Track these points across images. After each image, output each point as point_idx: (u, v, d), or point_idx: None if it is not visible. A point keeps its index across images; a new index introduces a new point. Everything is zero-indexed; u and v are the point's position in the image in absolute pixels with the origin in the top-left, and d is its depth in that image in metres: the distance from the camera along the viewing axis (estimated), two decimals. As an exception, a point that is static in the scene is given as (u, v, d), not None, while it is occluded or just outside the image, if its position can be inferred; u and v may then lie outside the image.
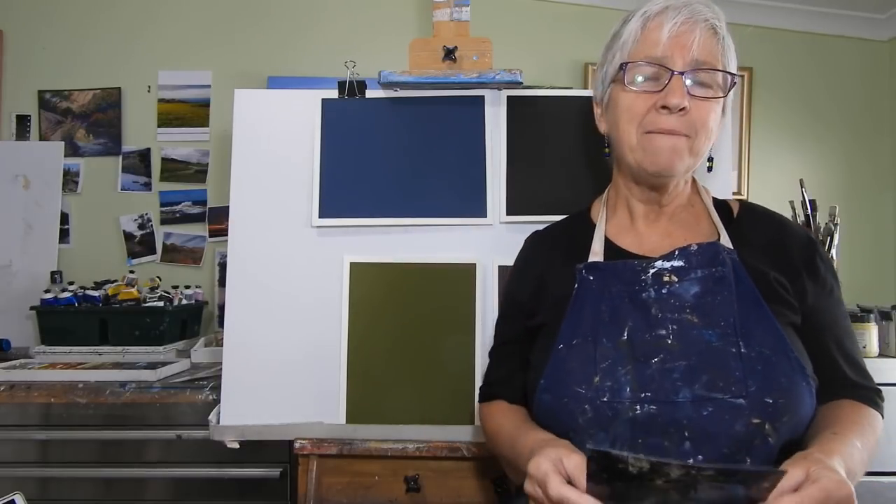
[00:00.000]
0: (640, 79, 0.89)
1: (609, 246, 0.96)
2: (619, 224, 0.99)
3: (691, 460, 0.76)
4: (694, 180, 0.99)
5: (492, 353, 1.10)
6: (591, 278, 0.91)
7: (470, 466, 1.30)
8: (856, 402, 0.86)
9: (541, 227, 1.36)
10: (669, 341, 0.82)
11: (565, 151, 1.38)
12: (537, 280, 1.02)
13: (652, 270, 0.87)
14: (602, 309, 0.88)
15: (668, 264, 0.87)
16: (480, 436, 1.28)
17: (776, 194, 1.96)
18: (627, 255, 0.94)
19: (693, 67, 0.86)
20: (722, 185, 1.39)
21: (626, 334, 0.85)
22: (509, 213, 1.36)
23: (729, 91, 0.90)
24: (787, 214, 0.97)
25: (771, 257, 0.89)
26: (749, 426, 0.77)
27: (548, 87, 1.45)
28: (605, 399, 0.81)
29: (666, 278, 0.86)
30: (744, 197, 2.30)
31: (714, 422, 0.77)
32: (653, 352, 0.82)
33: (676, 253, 0.88)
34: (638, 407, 0.80)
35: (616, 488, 0.66)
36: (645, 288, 0.87)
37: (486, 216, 1.35)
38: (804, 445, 0.78)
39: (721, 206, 0.98)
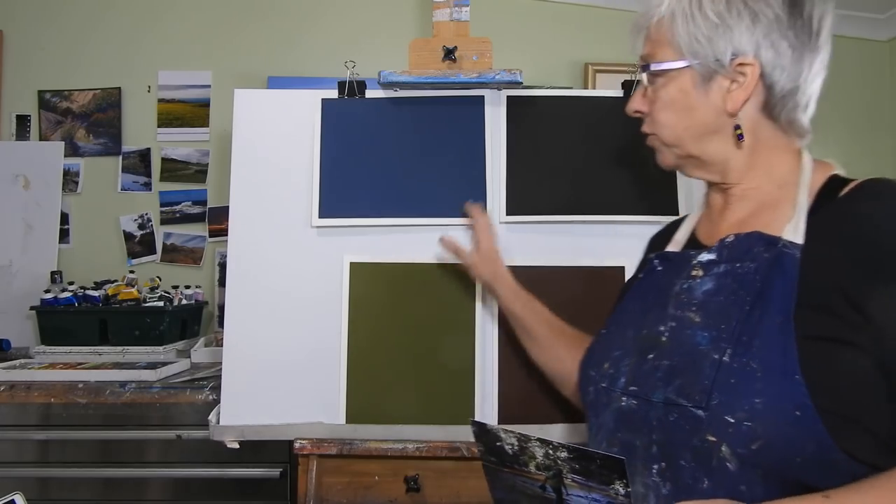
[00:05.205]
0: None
1: (690, 236, 0.93)
2: (705, 213, 0.94)
3: (656, 467, 0.74)
4: (802, 155, 0.83)
5: None
6: (661, 269, 0.88)
7: (470, 466, 1.30)
8: None
9: (541, 226, 1.37)
10: (664, 339, 0.79)
11: (565, 151, 1.38)
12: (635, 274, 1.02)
13: (693, 262, 0.82)
14: (648, 299, 0.85)
15: (705, 257, 0.81)
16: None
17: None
18: (699, 245, 0.88)
19: (639, 68, 0.86)
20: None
21: (647, 328, 0.83)
22: (509, 213, 1.36)
23: (658, 74, 0.83)
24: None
25: (849, 254, 0.71)
26: (704, 442, 0.70)
27: (548, 87, 1.46)
28: (603, 385, 0.83)
29: (694, 272, 0.81)
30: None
31: (677, 429, 0.72)
32: (651, 347, 0.80)
33: (716, 245, 0.82)
34: (624, 399, 0.79)
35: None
36: (679, 281, 0.83)
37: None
38: None
39: (834, 186, 0.80)
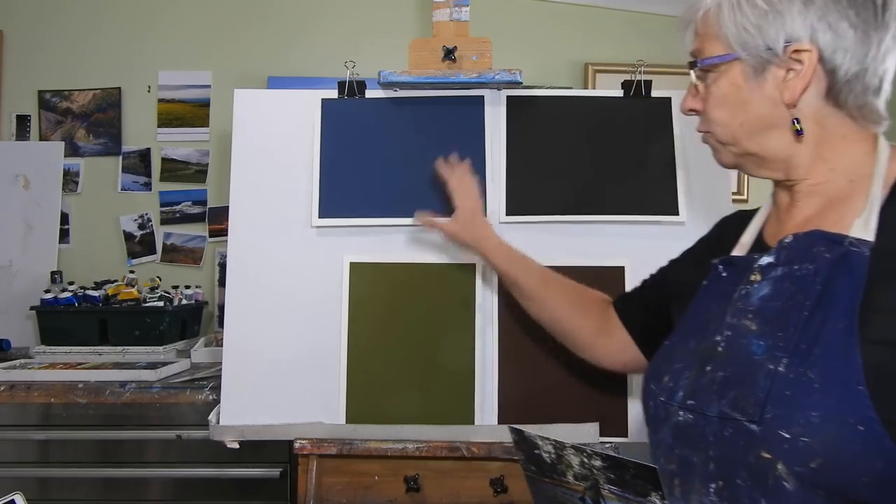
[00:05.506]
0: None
1: (758, 237, 0.86)
2: (773, 212, 0.87)
3: (713, 486, 0.70)
4: (879, 142, 0.78)
5: None
6: (725, 275, 0.81)
7: (470, 466, 1.30)
8: None
9: (541, 226, 1.37)
10: (720, 349, 0.74)
11: (565, 151, 1.38)
12: (692, 263, 0.97)
13: (754, 265, 0.76)
14: (712, 308, 0.80)
15: (765, 260, 0.75)
16: (480, 436, 1.28)
17: (776, 194, 1.96)
18: (765, 248, 0.82)
19: (690, 64, 0.82)
20: (721, 185, 1.39)
21: (707, 339, 0.77)
22: (509, 213, 1.36)
23: (709, 70, 0.79)
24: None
25: None
26: (760, 459, 0.65)
27: (548, 87, 1.46)
28: (662, 399, 0.78)
29: (753, 277, 0.75)
30: (744, 198, 2.30)
31: (732, 445, 0.68)
32: (708, 358, 0.75)
33: (775, 247, 0.76)
34: (681, 414, 0.74)
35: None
36: (738, 287, 0.77)
37: (485, 216, 1.35)
38: None
39: None
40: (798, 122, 0.75)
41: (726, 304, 0.76)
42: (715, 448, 0.70)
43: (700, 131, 0.84)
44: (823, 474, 0.61)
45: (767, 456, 0.64)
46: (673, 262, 1.04)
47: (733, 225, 0.92)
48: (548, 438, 0.73)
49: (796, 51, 0.72)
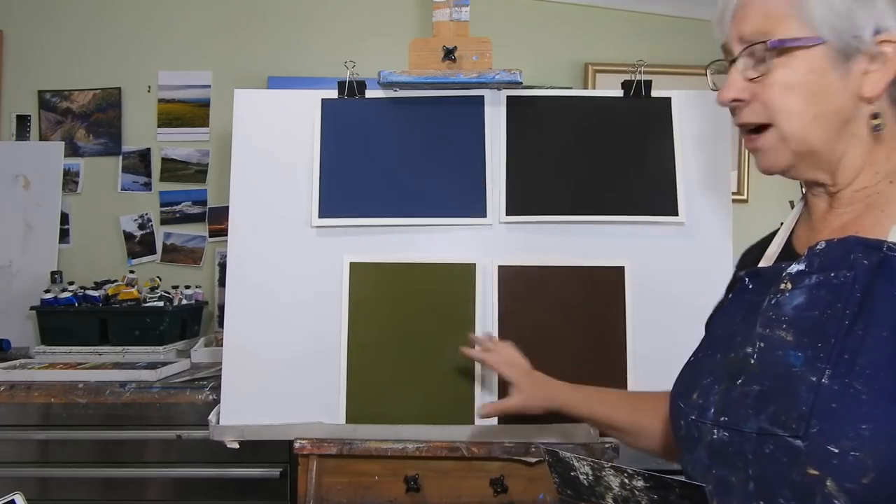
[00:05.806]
0: (717, 81, 0.79)
1: (786, 246, 0.82)
2: (804, 218, 0.83)
3: None
4: None
5: None
6: (752, 286, 0.78)
7: (469, 466, 1.30)
8: None
9: (541, 226, 1.37)
10: (752, 361, 0.71)
11: (565, 151, 1.38)
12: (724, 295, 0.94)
13: (782, 274, 0.73)
14: (738, 320, 0.77)
15: (795, 268, 0.72)
16: (480, 436, 1.28)
17: (777, 194, 1.96)
18: (795, 256, 0.77)
19: (742, 48, 0.73)
20: (721, 184, 1.39)
21: (734, 350, 0.74)
22: (509, 213, 1.36)
23: (779, 52, 0.70)
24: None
25: None
26: (806, 477, 0.62)
27: (548, 87, 1.46)
28: (693, 417, 0.75)
29: (783, 286, 0.72)
30: (744, 198, 2.30)
31: (773, 462, 0.65)
32: (739, 372, 0.71)
33: (806, 254, 0.72)
34: (715, 431, 0.71)
35: None
36: (766, 297, 0.73)
37: (485, 216, 1.35)
38: None
39: None
40: (878, 117, 0.69)
41: (754, 315, 0.73)
42: (754, 466, 0.66)
43: (745, 123, 0.75)
44: (877, 490, 0.59)
45: (815, 473, 0.61)
46: (707, 324, 0.97)
47: (755, 251, 0.89)
48: (585, 458, 0.70)
49: (884, 41, 0.67)
